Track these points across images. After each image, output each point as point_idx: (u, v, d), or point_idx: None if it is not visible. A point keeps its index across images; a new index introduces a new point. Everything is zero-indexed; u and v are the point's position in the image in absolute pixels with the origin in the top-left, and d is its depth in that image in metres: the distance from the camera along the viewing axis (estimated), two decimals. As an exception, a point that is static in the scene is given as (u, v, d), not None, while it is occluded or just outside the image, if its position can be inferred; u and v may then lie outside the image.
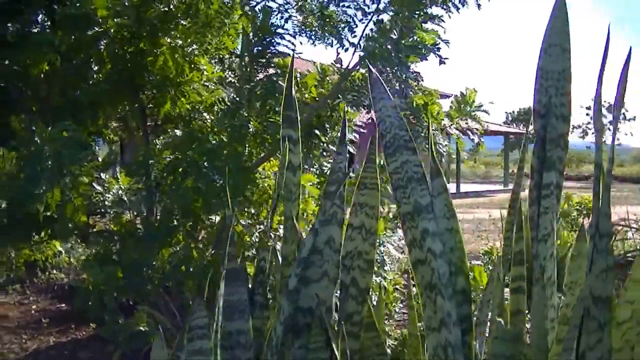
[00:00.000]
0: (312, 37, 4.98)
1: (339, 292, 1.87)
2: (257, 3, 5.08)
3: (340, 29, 4.84)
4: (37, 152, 4.30)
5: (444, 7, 4.81)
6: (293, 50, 4.74)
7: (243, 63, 4.97)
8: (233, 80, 5.19)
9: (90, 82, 5.10)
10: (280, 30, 4.67)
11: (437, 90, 5.14)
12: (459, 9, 4.80)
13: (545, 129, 1.92)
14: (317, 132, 5.94)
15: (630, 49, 1.73)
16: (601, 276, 1.70)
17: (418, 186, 1.74)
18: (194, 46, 5.13)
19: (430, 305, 1.77)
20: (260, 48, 4.69)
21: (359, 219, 1.88)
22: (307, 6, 4.87)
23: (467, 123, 4.92)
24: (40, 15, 5.32)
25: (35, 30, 5.17)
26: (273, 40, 4.67)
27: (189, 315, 1.67)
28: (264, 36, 4.66)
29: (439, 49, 4.77)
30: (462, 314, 1.82)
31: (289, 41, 4.72)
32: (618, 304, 2.01)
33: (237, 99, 4.96)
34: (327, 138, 5.95)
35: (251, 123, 4.80)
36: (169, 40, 5.03)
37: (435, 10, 4.80)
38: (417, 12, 4.74)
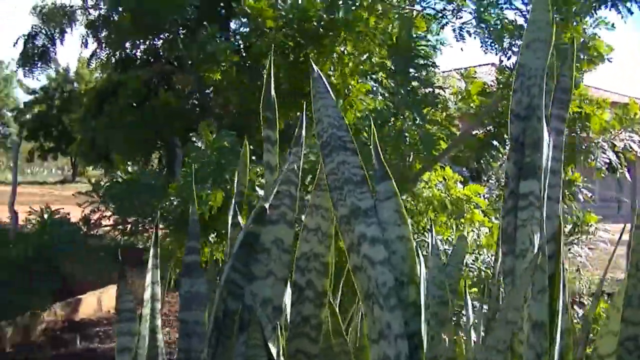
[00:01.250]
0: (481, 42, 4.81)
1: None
2: (422, 9, 5.01)
3: (498, 32, 4.62)
4: (201, 158, 4.71)
5: (616, 9, 4.38)
6: (433, 63, 4.61)
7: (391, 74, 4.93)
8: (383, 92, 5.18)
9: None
10: (422, 42, 4.55)
11: (607, 100, 4.66)
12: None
13: (524, 133, 1.74)
14: (495, 143, 5.75)
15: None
16: (538, 297, 1.50)
17: (356, 188, 1.65)
18: (364, 56, 5.26)
19: (370, 315, 1.68)
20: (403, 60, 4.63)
21: (314, 221, 1.83)
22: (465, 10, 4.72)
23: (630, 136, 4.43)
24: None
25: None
26: (413, 53, 4.58)
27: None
28: (405, 48, 4.60)
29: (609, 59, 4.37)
30: (413, 328, 1.70)
31: (428, 58, 4.59)
32: (600, 335, 1.74)
33: (393, 111, 4.93)
34: (504, 150, 5.72)
35: (408, 133, 4.77)
36: (340, 48, 5.19)
37: (603, 13, 4.40)
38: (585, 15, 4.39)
